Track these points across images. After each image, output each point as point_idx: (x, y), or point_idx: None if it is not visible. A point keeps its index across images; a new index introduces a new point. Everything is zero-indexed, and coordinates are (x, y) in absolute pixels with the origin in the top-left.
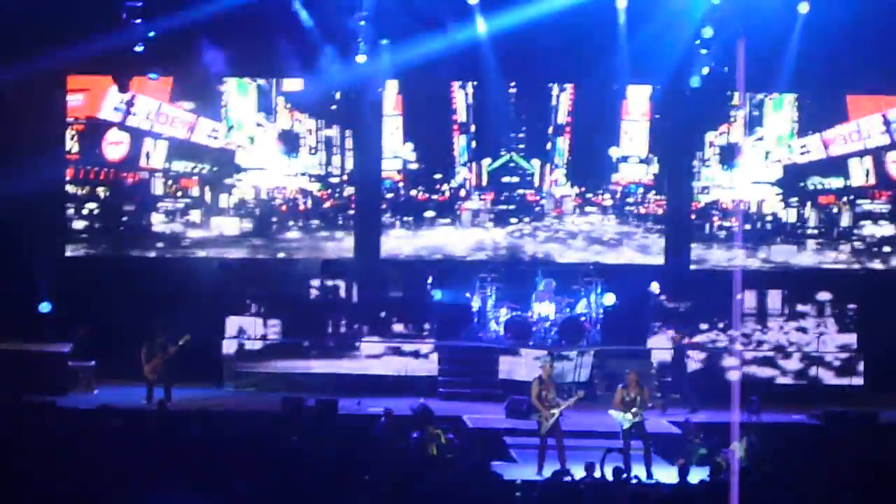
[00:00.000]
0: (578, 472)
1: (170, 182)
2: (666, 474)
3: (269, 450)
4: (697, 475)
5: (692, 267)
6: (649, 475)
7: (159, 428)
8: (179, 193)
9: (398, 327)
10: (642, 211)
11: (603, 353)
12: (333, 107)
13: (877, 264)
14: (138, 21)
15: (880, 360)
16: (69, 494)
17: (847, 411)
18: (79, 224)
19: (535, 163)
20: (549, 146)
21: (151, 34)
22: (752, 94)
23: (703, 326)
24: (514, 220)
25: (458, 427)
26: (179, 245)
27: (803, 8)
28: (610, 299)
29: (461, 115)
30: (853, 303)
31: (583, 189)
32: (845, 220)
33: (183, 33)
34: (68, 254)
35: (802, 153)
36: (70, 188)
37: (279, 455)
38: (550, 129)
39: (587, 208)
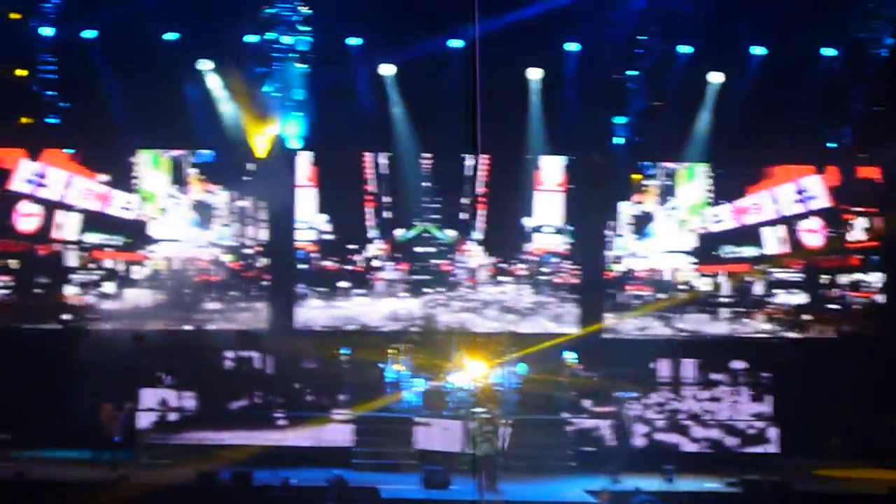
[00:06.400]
0: None
1: (83, 254)
2: None
3: None
4: None
5: (606, 336)
6: None
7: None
8: (93, 265)
9: (312, 398)
10: (557, 280)
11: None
12: (247, 178)
13: (791, 333)
14: (51, 93)
15: (795, 428)
16: None
17: (762, 479)
18: None
19: (450, 233)
20: (463, 216)
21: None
22: (665, 163)
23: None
24: (428, 290)
25: (372, 498)
26: (93, 317)
27: (715, 78)
28: (523, 369)
29: (375, 186)
30: (767, 371)
31: (497, 259)
32: (759, 289)
33: (96, 105)
34: None
35: (716, 222)
36: None
37: None
38: (465, 200)
39: (502, 278)
